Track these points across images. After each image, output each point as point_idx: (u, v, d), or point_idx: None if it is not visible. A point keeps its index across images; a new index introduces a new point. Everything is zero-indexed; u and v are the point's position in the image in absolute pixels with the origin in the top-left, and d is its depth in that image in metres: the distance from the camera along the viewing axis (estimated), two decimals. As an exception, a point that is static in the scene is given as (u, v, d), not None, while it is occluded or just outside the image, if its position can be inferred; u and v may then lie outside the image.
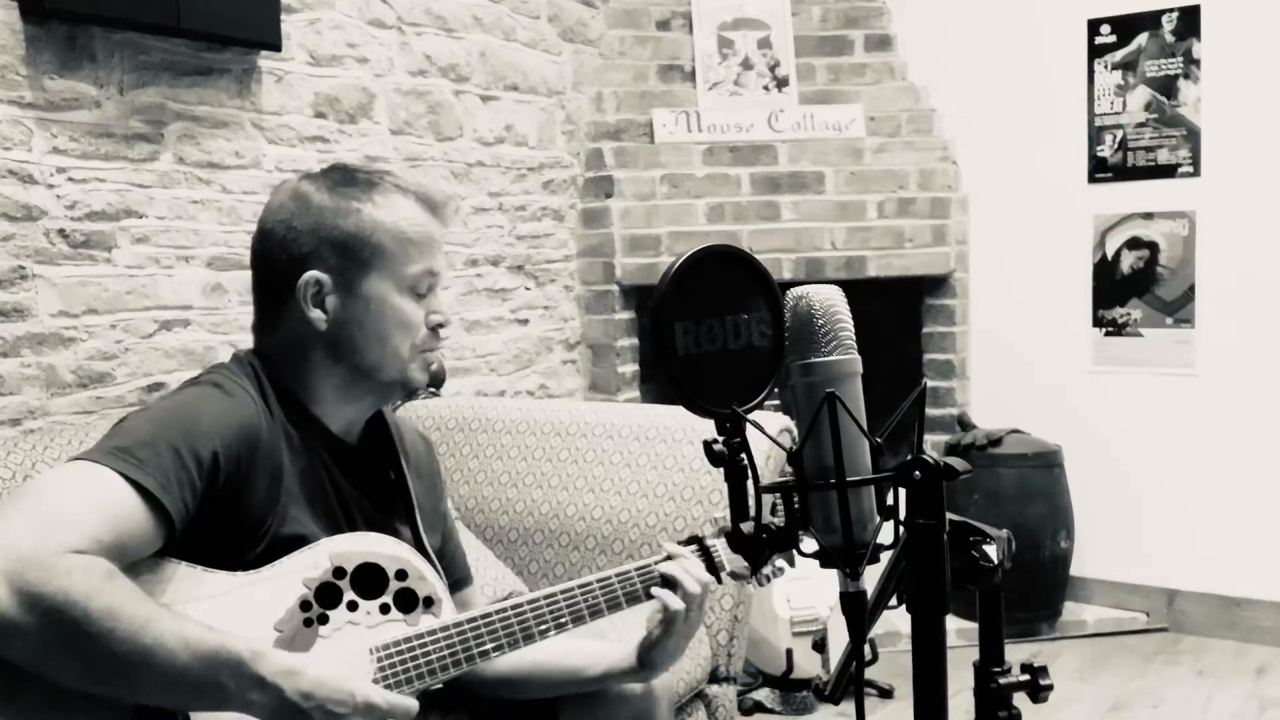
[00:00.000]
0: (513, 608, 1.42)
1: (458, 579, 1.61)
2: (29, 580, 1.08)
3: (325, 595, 1.33)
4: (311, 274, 1.40)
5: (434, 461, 1.66)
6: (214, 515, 1.28)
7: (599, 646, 1.55)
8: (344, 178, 1.44)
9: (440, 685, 1.38)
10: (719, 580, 1.55)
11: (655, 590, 1.48)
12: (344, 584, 1.35)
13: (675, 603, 1.46)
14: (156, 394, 2.34)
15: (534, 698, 1.57)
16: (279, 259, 1.42)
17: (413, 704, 1.27)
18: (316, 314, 1.41)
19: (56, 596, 1.08)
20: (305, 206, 1.42)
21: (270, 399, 1.39)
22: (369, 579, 1.36)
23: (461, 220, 3.14)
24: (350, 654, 1.32)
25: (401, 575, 1.39)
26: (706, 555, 1.55)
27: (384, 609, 1.37)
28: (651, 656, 1.51)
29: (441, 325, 1.46)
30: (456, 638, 1.37)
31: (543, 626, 1.43)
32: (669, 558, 1.53)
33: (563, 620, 1.44)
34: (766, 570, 1.62)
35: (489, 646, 1.39)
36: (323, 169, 1.48)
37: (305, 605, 1.32)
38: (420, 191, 1.46)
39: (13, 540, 1.10)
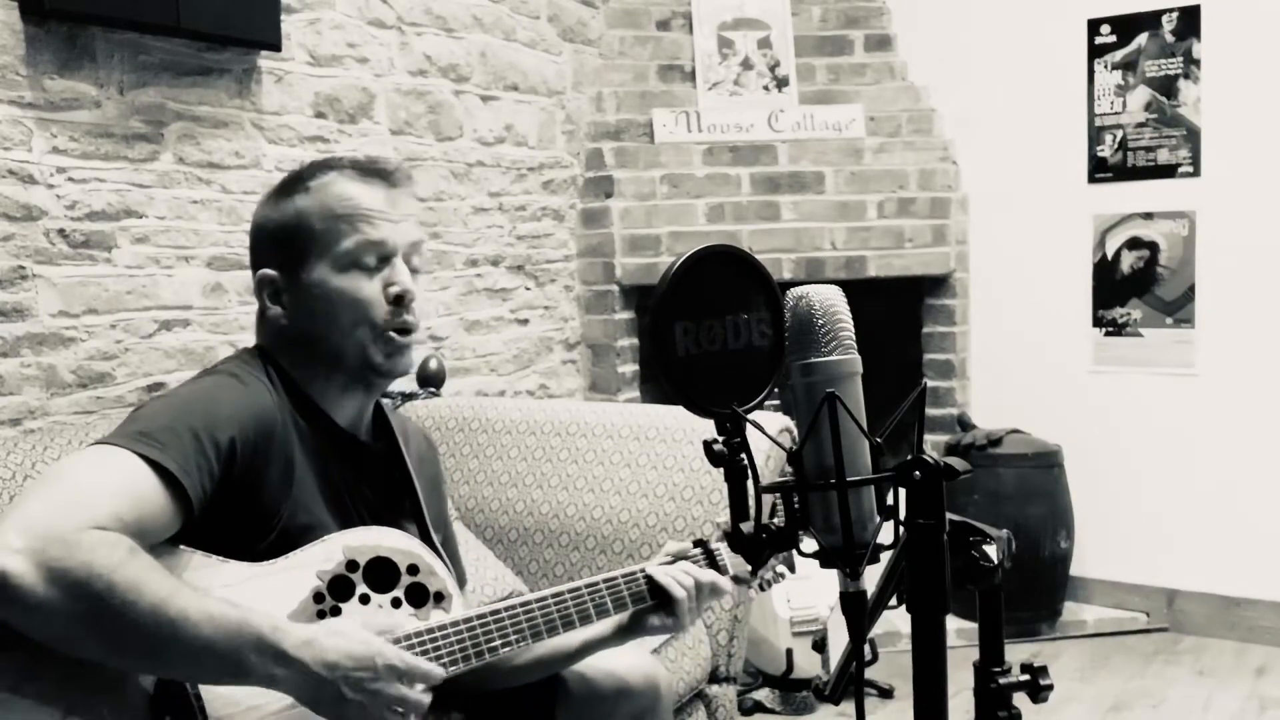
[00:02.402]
0: (522, 605, 1.42)
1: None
2: (53, 556, 1.08)
3: (338, 588, 1.34)
4: (263, 273, 1.44)
5: (438, 464, 1.66)
6: (229, 503, 1.29)
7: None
8: (292, 175, 1.46)
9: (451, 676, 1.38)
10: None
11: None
12: (356, 577, 1.36)
13: (671, 621, 1.53)
14: (157, 394, 2.34)
15: (521, 683, 1.58)
16: (252, 265, 1.48)
17: (434, 667, 1.28)
18: (275, 311, 1.43)
19: (80, 571, 1.09)
20: (260, 211, 1.47)
21: (280, 391, 1.41)
22: (381, 573, 1.37)
23: (461, 220, 3.14)
24: None
25: (413, 570, 1.40)
26: (710, 558, 1.57)
27: (395, 603, 1.38)
28: (629, 638, 1.56)
29: (401, 296, 1.41)
30: (466, 633, 1.38)
31: (551, 625, 1.44)
32: (673, 559, 1.55)
33: (570, 619, 1.46)
34: (767, 575, 1.64)
35: (498, 643, 1.40)
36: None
37: (318, 597, 1.33)
38: (355, 164, 1.44)
39: (36, 518, 1.11)
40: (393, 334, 1.42)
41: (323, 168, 1.45)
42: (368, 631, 1.25)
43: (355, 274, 1.40)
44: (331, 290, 1.40)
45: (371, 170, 1.44)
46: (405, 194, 1.46)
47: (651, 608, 1.53)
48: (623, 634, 1.56)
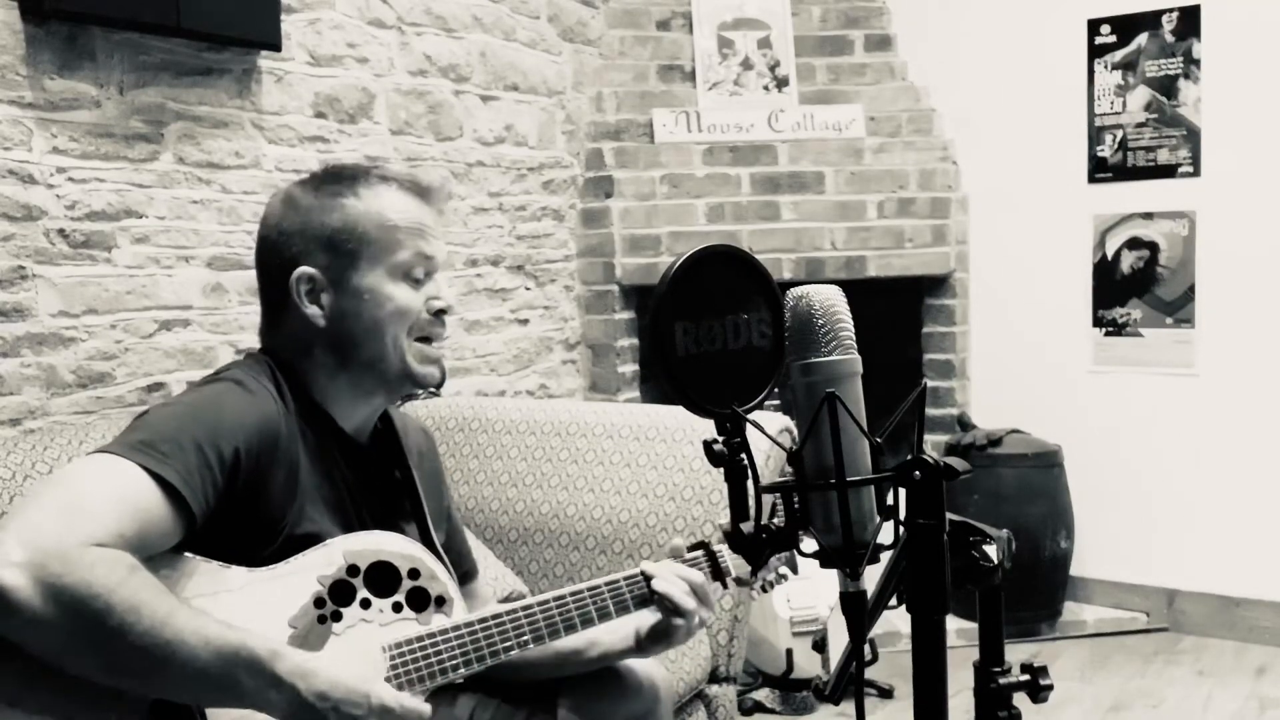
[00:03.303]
0: (524, 609, 1.43)
1: (464, 572, 1.62)
2: (52, 572, 1.08)
3: (339, 592, 1.34)
4: (302, 270, 1.41)
5: (436, 456, 1.67)
6: (233, 511, 1.29)
7: (594, 630, 1.57)
8: (330, 176, 1.46)
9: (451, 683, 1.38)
10: (725, 586, 1.57)
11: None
12: (358, 582, 1.35)
13: (678, 620, 1.51)
14: (157, 394, 2.34)
15: (536, 678, 1.58)
16: (273, 264, 1.44)
17: (425, 709, 1.27)
18: (313, 310, 1.41)
19: (79, 588, 1.09)
20: (293, 208, 1.44)
21: (287, 398, 1.40)
22: (382, 577, 1.37)
23: (461, 220, 3.14)
24: (363, 651, 1.33)
25: (414, 574, 1.39)
26: (713, 561, 1.57)
27: (396, 607, 1.37)
28: (652, 648, 1.55)
29: (443, 310, 1.45)
30: (468, 637, 1.38)
31: (553, 628, 1.44)
32: (674, 554, 1.55)
33: (572, 623, 1.46)
34: (770, 577, 1.64)
35: (499, 647, 1.40)
36: (313, 171, 1.49)
37: (319, 602, 1.32)
38: (407, 179, 1.46)
39: (36, 532, 1.10)
40: (428, 345, 1.45)
41: (373, 175, 1.45)
42: (366, 669, 1.25)
43: (404, 284, 1.42)
44: (382, 297, 1.41)
45: (421, 187, 1.47)
46: (442, 212, 1.50)
47: (667, 618, 1.52)
48: (639, 648, 1.55)
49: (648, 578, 1.51)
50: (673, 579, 1.51)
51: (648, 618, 1.54)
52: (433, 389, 2.79)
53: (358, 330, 1.41)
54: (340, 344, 1.42)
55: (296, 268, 1.41)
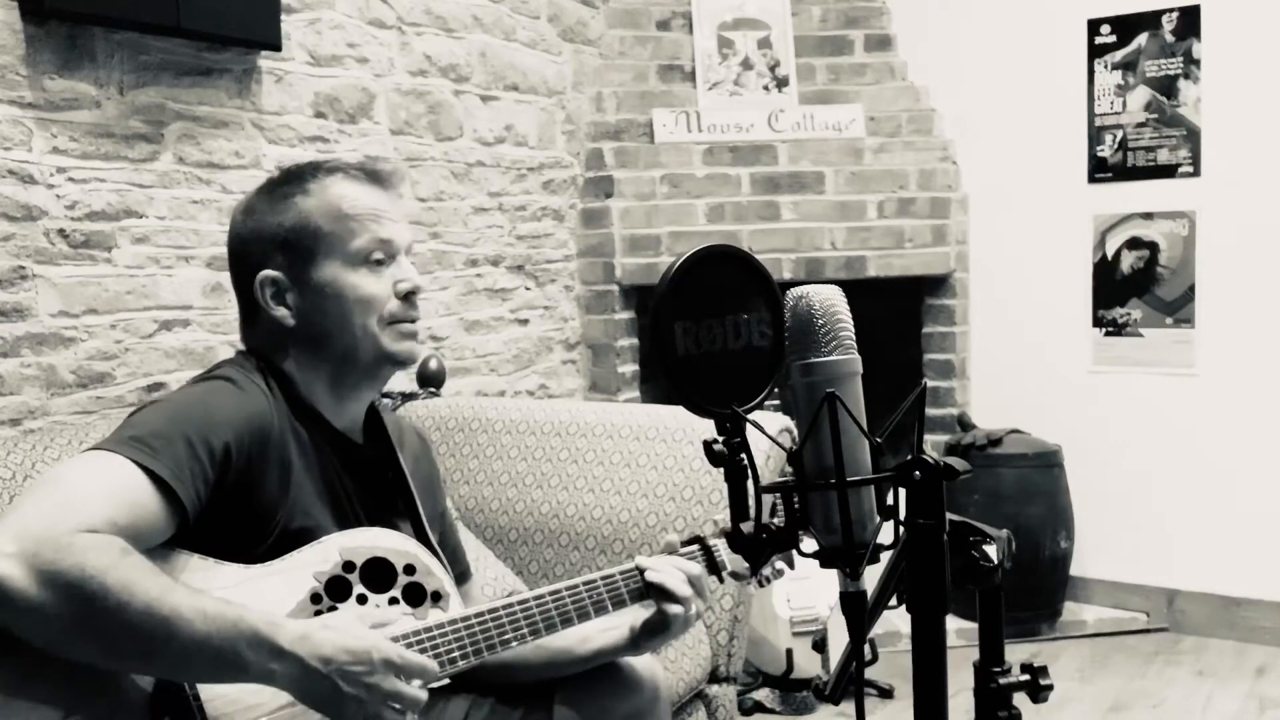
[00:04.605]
0: (519, 603, 1.43)
1: (458, 574, 1.62)
2: (45, 559, 1.09)
3: (335, 588, 1.34)
4: (264, 274, 1.43)
5: (431, 461, 1.67)
6: (226, 508, 1.30)
7: (589, 627, 1.57)
8: (282, 178, 1.48)
9: (448, 679, 1.38)
10: (720, 579, 1.58)
11: (667, 608, 1.50)
12: (353, 578, 1.36)
13: (675, 609, 1.49)
14: (156, 394, 2.34)
15: (531, 679, 1.57)
16: (240, 270, 1.47)
17: (430, 663, 1.28)
18: (281, 312, 1.43)
19: (73, 572, 1.09)
20: (250, 214, 1.47)
21: (278, 395, 1.41)
22: (378, 573, 1.38)
23: (461, 220, 3.14)
24: None
25: (410, 570, 1.40)
26: (708, 555, 1.57)
27: (392, 602, 1.38)
28: (648, 643, 1.54)
29: (411, 292, 1.45)
30: (465, 632, 1.38)
31: (550, 622, 1.44)
32: (669, 549, 1.54)
33: (569, 617, 1.46)
34: (766, 571, 1.64)
35: (496, 641, 1.40)
36: (270, 176, 1.50)
37: (315, 598, 1.33)
38: (355, 166, 1.47)
39: (29, 523, 1.11)
40: (400, 324, 1.45)
41: (320, 170, 1.46)
42: (364, 626, 1.25)
43: (364, 271, 1.43)
44: (344, 287, 1.42)
45: (370, 172, 1.47)
46: (399, 195, 1.50)
47: (662, 611, 1.52)
48: (635, 644, 1.55)
49: (641, 571, 1.51)
50: (668, 569, 1.50)
51: (642, 613, 1.54)
52: (432, 389, 2.79)
53: (326, 325, 1.42)
54: (312, 341, 1.43)
55: (259, 272, 1.43)
